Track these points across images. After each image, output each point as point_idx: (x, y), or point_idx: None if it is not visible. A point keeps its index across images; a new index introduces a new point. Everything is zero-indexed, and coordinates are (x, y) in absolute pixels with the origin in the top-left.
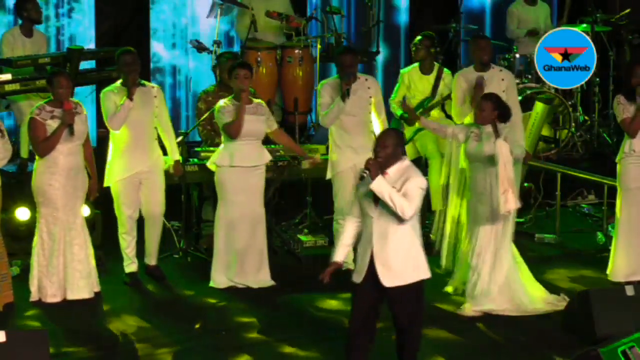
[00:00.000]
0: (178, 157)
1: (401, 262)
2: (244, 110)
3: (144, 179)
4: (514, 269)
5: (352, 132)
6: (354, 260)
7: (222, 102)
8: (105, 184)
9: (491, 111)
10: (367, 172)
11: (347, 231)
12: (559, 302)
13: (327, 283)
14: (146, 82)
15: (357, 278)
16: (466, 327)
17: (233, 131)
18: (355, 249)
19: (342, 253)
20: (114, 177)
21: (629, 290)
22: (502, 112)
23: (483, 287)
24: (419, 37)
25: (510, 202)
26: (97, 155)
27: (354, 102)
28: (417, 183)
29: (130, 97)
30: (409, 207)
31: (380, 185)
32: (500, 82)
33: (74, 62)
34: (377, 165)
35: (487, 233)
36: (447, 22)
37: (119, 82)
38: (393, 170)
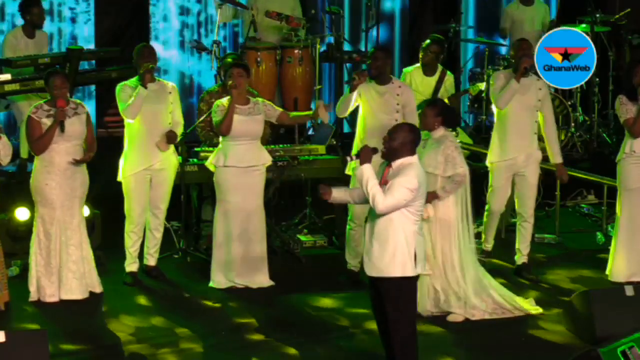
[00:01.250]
0: (178, 132)
1: (382, 254)
2: (233, 107)
3: (154, 176)
4: (480, 270)
5: (371, 134)
6: (360, 263)
7: (219, 101)
8: (118, 178)
9: (434, 117)
10: (354, 157)
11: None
12: (524, 307)
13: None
14: (161, 80)
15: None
16: (466, 327)
17: (222, 128)
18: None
19: (339, 191)
20: (127, 171)
21: (629, 291)
22: (447, 118)
23: (458, 294)
24: (427, 41)
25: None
26: (97, 154)
27: (378, 103)
28: (403, 181)
29: (144, 85)
30: (383, 200)
31: (362, 172)
32: (537, 91)
33: (73, 62)
34: (369, 154)
35: (440, 240)
36: (447, 22)
37: (134, 78)
38: (396, 164)
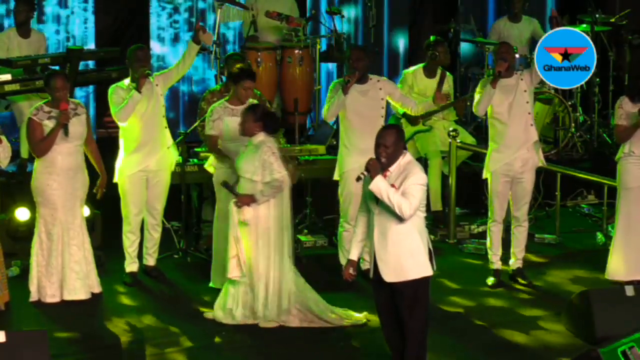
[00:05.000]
0: None
1: (400, 259)
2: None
3: (150, 177)
4: (296, 280)
5: (360, 133)
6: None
7: (213, 106)
8: (115, 180)
9: (253, 122)
10: (366, 173)
11: (359, 227)
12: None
13: (351, 281)
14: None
15: (370, 273)
16: (466, 328)
17: (209, 145)
18: None
19: (356, 250)
20: (123, 172)
21: (629, 290)
22: (266, 124)
23: (266, 301)
24: (436, 43)
25: (233, 271)
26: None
27: (364, 102)
28: (416, 180)
29: (138, 89)
30: (408, 205)
31: (378, 185)
32: (520, 82)
33: (73, 62)
34: (377, 166)
35: (261, 247)
36: (447, 22)
37: (127, 79)
38: (394, 167)
